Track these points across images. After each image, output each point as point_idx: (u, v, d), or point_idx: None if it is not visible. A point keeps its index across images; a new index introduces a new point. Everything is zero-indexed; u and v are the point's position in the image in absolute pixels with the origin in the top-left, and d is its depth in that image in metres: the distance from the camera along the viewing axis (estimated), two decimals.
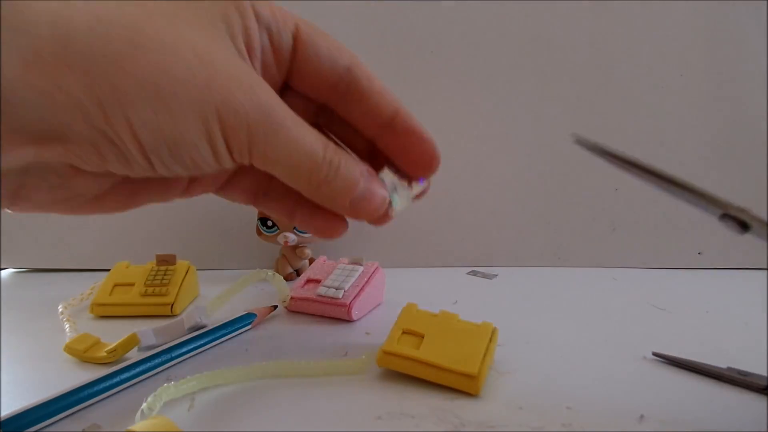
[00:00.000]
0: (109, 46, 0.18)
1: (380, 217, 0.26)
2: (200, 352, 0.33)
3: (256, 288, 0.46)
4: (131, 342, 0.32)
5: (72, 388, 0.26)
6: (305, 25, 0.24)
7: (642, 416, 0.25)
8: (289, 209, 0.27)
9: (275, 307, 0.40)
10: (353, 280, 0.40)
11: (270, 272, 0.40)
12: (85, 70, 0.18)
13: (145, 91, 0.19)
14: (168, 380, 0.28)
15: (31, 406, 0.25)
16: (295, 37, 0.24)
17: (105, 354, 0.32)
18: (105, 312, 0.40)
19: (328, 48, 0.24)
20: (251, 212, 0.47)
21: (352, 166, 0.24)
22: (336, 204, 0.24)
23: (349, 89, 0.25)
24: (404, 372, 0.29)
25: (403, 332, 0.30)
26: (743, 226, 0.23)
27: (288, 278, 0.49)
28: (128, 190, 0.24)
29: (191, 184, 0.26)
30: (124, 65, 0.19)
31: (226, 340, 0.35)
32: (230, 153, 0.21)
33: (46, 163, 0.20)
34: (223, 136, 0.21)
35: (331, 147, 0.23)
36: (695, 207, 0.24)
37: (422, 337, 0.29)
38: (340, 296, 0.38)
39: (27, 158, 0.19)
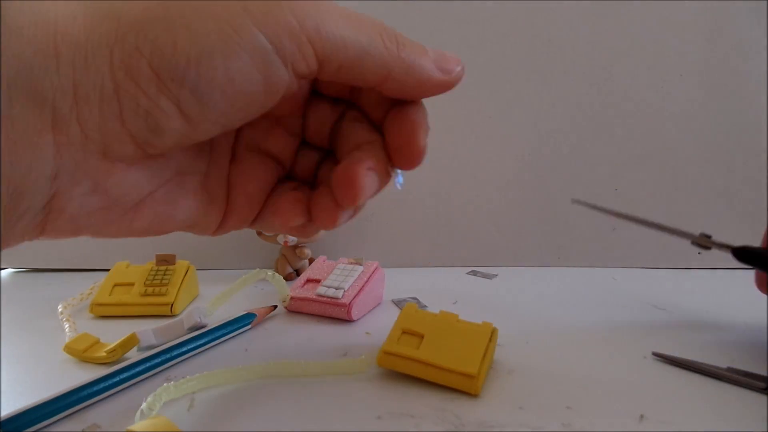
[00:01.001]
0: None
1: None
2: (200, 352, 0.33)
3: (256, 288, 0.46)
4: (131, 342, 0.32)
5: (72, 388, 0.26)
6: None
7: (642, 416, 0.25)
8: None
9: (275, 307, 0.40)
10: (353, 279, 0.40)
11: (270, 272, 0.40)
12: (87, 14, 0.18)
13: (150, 11, 0.18)
14: (168, 380, 0.28)
15: (31, 406, 0.25)
16: None
17: (105, 354, 0.32)
18: (105, 312, 0.40)
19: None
20: None
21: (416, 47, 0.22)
22: (424, 69, 0.21)
23: None
24: (404, 372, 0.28)
25: (403, 332, 0.30)
26: (704, 248, 0.34)
27: (288, 278, 0.49)
28: (164, 199, 0.22)
29: (227, 216, 0.25)
30: None
31: (226, 340, 0.35)
32: (278, 50, 0.18)
33: (74, 160, 0.18)
34: (261, 29, 0.18)
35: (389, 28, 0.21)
36: (674, 236, 0.35)
37: (422, 337, 0.29)
38: (340, 296, 0.38)
39: (48, 155, 0.18)
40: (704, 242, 0.34)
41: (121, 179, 0.20)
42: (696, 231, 0.35)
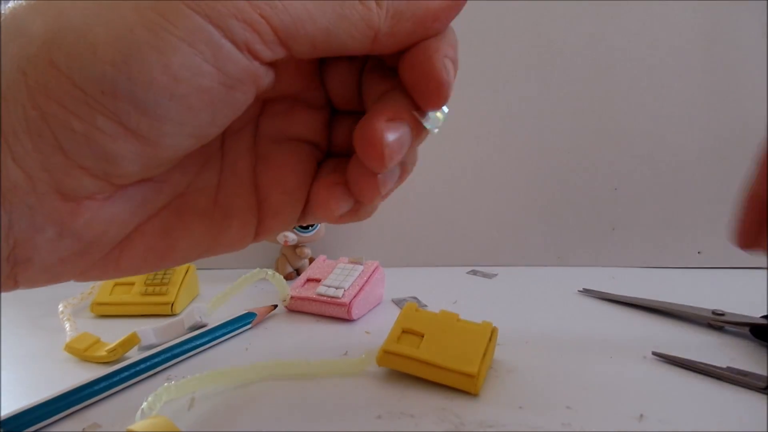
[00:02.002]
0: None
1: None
2: (200, 352, 0.33)
3: (256, 287, 0.46)
4: (131, 341, 0.32)
5: (72, 388, 0.26)
6: None
7: (642, 416, 0.25)
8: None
9: (275, 306, 0.40)
10: (353, 279, 0.40)
11: (270, 272, 0.40)
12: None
13: (61, 19, 0.15)
14: (168, 380, 0.28)
15: (31, 406, 0.25)
16: None
17: (105, 353, 0.32)
18: (105, 311, 0.40)
19: None
20: None
21: None
22: (418, 9, 0.17)
23: None
24: (404, 371, 0.29)
25: (403, 331, 0.30)
26: (718, 328, 0.36)
27: (288, 278, 0.49)
28: (157, 231, 0.19)
29: (262, 217, 0.21)
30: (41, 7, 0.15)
31: (226, 339, 0.35)
32: (225, 33, 0.15)
33: (26, 205, 0.15)
34: (195, 8, 0.15)
35: None
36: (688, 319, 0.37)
37: (422, 336, 0.29)
38: (340, 295, 0.38)
39: None
40: (718, 322, 0.35)
41: (91, 219, 0.17)
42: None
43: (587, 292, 0.44)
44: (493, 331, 0.30)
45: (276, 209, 0.21)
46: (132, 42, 0.14)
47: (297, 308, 0.40)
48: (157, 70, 0.14)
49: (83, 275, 0.18)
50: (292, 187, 0.21)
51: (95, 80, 0.14)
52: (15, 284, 0.17)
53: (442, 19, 0.18)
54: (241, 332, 0.36)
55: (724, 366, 0.29)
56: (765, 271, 0.48)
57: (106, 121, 0.15)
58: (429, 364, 0.28)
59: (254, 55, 0.16)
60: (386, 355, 0.29)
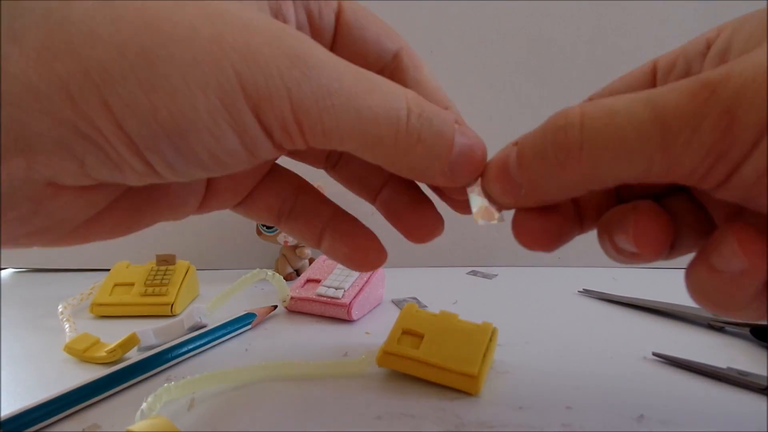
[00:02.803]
0: (80, 12, 0.14)
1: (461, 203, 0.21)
2: (200, 352, 0.33)
3: (256, 288, 0.46)
4: (131, 342, 0.32)
5: (72, 388, 0.26)
6: (350, 4, 0.20)
7: (642, 416, 0.25)
8: (317, 231, 0.23)
9: (275, 306, 0.40)
10: (353, 279, 0.40)
11: (270, 272, 0.40)
12: (40, 44, 0.14)
13: (126, 59, 0.14)
14: (168, 380, 0.28)
15: (31, 406, 0.25)
16: (338, 18, 0.20)
17: (105, 354, 0.32)
18: (105, 312, 0.40)
19: (376, 31, 0.21)
20: None
21: (443, 115, 0.18)
22: (431, 171, 0.18)
23: (393, 78, 0.20)
24: (404, 372, 0.28)
25: (403, 332, 0.30)
26: (719, 329, 0.36)
27: (288, 278, 0.49)
28: (127, 208, 0.19)
29: (207, 197, 0.22)
30: (95, 27, 0.14)
31: (226, 340, 0.35)
32: (269, 134, 0.16)
33: (10, 186, 0.15)
34: (254, 110, 0.15)
35: (411, 95, 0.18)
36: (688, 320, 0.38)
37: (422, 337, 0.29)
38: (340, 296, 0.38)
39: None
40: (718, 323, 0.36)
41: (68, 201, 0.17)
42: None
43: (587, 292, 0.44)
44: (494, 332, 0.30)
45: (219, 194, 0.22)
46: (193, 122, 0.15)
47: (297, 309, 0.40)
48: (203, 152, 0.16)
49: (50, 243, 0.18)
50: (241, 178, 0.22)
51: (146, 137, 0.15)
52: None
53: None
54: (240, 333, 0.36)
55: (725, 366, 0.29)
56: None
57: (139, 161, 0.15)
58: (429, 365, 0.28)
59: (279, 148, 0.17)
60: (386, 355, 0.29)
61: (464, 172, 0.19)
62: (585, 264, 0.53)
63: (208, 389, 0.28)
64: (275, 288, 0.41)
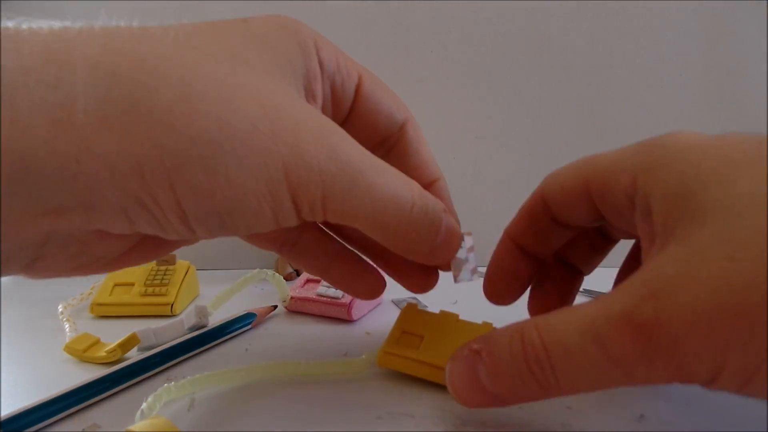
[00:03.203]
0: (157, 101, 0.16)
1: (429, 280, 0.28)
2: (200, 352, 0.33)
3: (256, 288, 0.46)
4: (131, 342, 0.32)
5: (72, 388, 0.26)
6: (368, 75, 0.23)
7: (642, 416, 0.25)
8: (323, 267, 0.26)
9: (275, 306, 0.40)
10: None
11: (270, 272, 0.40)
12: (124, 130, 0.15)
13: (197, 148, 0.16)
14: (168, 380, 0.28)
15: (31, 406, 0.25)
16: (357, 90, 0.22)
17: (105, 354, 0.32)
18: (105, 312, 0.40)
19: (388, 104, 0.23)
20: None
21: (437, 207, 0.22)
22: (417, 251, 0.23)
23: (396, 147, 0.24)
24: (404, 372, 0.28)
25: (403, 332, 0.30)
26: None
27: (288, 278, 0.49)
28: (153, 244, 0.21)
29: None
30: (174, 120, 0.16)
31: (226, 340, 0.35)
32: (298, 212, 0.19)
33: (65, 233, 0.17)
34: (292, 195, 0.18)
35: (417, 189, 0.21)
36: None
37: (422, 337, 0.29)
38: (340, 296, 0.38)
39: (40, 232, 0.17)
40: None
41: (110, 244, 0.19)
42: None
43: (587, 292, 0.44)
44: None
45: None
46: (242, 203, 0.17)
47: (297, 309, 0.40)
48: (244, 229, 0.18)
49: (86, 274, 0.21)
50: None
51: (196, 213, 0.17)
52: (25, 276, 0.19)
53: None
54: (241, 333, 0.36)
55: None
56: None
57: (184, 227, 0.18)
58: (429, 365, 0.28)
59: (302, 221, 0.20)
60: (386, 355, 0.29)
61: (443, 254, 0.25)
62: None
63: (208, 390, 0.28)
64: (275, 288, 0.41)
